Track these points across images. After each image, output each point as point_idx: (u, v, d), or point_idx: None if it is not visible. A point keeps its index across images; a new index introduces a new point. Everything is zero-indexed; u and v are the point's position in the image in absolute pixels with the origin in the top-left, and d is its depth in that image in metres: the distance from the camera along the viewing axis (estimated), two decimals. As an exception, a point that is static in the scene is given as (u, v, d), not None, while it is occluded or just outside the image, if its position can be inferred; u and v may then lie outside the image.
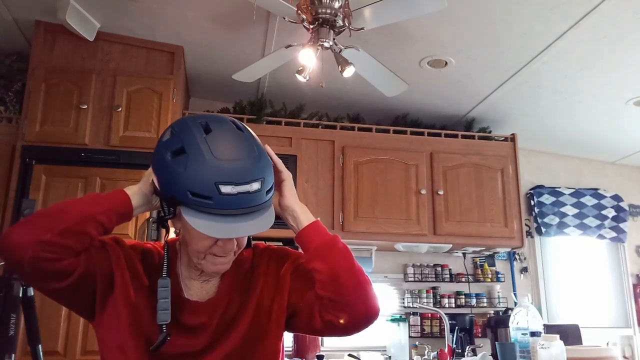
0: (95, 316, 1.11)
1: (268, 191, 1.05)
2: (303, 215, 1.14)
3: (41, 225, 0.99)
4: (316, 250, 1.10)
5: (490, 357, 2.64)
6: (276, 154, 1.15)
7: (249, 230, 1.03)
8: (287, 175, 1.16)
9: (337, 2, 2.38)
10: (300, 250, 1.18)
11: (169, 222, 1.09)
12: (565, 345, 1.77)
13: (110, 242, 1.13)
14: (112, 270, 1.09)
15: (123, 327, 1.08)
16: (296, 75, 2.54)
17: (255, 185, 1.01)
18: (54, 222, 0.99)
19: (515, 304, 2.50)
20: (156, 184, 1.06)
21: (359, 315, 1.09)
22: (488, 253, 4.13)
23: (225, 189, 0.98)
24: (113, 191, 1.08)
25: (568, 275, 4.38)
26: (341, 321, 1.09)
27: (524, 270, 4.26)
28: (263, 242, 1.31)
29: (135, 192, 1.09)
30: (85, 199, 1.06)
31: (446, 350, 3.11)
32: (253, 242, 1.26)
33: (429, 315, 3.91)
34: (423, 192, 3.68)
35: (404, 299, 3.98)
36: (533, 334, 1.95)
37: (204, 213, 1.00)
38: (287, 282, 1.18)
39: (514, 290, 4.08)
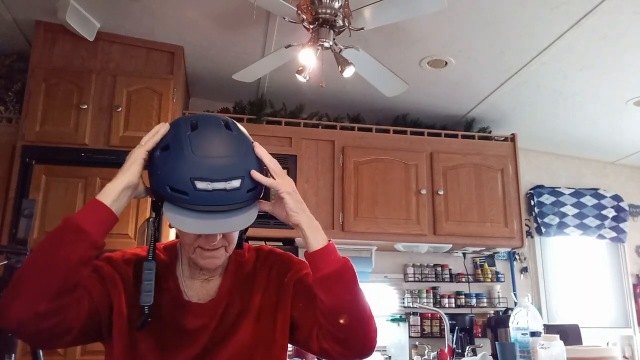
0: (105, 339, 1.11)
1: (250, 190, 1.04)
2: (311, 236, 1.08)
3: (31, 296, 0.93)
4: (322, 279, 1.06)
5: (490, 357, 2.64)
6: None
7: (222, 228, 1.02)
8: (285, 192, 1.07)
9: (337, 2, 2.38)
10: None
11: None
12: (565, 345, 1.76)
13: (105, 267, 1.10)
14: (112, 300, 1.09)
15: (118, 351, 1.08)
16: (296, 75, 2.54)
17: (234, 183, 1.01)
18: (45, 287, 0.93)
19: (515, 304, 2.50)
20: (149, 179, 1.07)
21: (354, 352, 1.08)
22: (488, 253, 4.13)
23: (201, 184, 0.99)
24: (90, 209, 1.00)
25: (568, 275, 4.38)
26: (336, 351, 1.08)
27: (524, 270, 4.26)
28: (264, 244, 1.30)
29: (116, 195, 1.01)
30: (66, 236, 0.96)
31: (446, 350, 3.11)
32: (257, 245, 1.26)
33: (429, 315, 3.91)
34: (423, 192, 3.68)
35: (404, 299, 3.98)
36: (533, 334, 1.95)
37: (182, 208, 1.01)
38: (289, 293, 1.17)
39: (514, 290, 4.08)
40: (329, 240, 1.09)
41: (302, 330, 1.15)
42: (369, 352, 1.09)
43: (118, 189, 1.02)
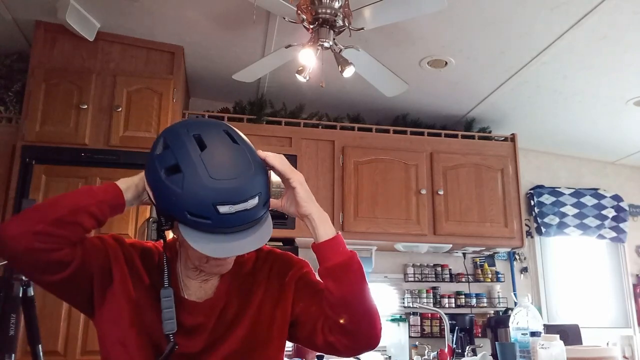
0: (95, 311, 1.11)
1: (265, 204, 1.04)
2: (321, 227, 1.10)
3: (34, 217, 1.00)
4: (331, 269, 1.07)
5: (490, 357, 2.64)
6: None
7: (248, 247, 1.02)
8: (297, 182, 1.10)
9: (337, 2, 2.38)
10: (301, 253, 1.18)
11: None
12: (565, 345, 1.77)
13: (109, 239, 1.13)
14: (110, 265, 1.10)
15: (124, 321, 1.08)
16: (296, 75, 2.54)
17: (253, 202, 1.00)
18: (46, 213, 1.00)
19: (515, 304, 2.50)
20: (152, 198, 1.05)
21: (361, 343, 1.09)
22: (488, 253, 4.13)
23: (223, 209, 0.98)
24: (105, 184, 1.09)
25: (568, 275, 4.37)
26: (343, 331, 1.08)
27: (524, 270, 4.26)
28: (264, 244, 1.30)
29: (128, 186, 1.09)
30: (78, 192, 1.06)
31: (446, 350, 3.11)
32: None
33: (429, 315, 3.91)
34: (423, 192, 3.68)
35: (404, 299, 3.98)
36: (533, 334, 1.95)
37: (203, 232, 1.00)
38: (290, 291, 1.17)
39: (514, 290, 4.08)
40: (337, 232, 1.11)
41: (304, 327, 1.15)
42: (375, 343, 1.10)
43: (130, 183, 1.10)
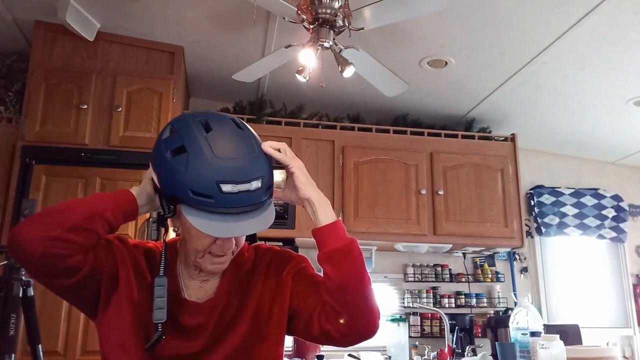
0: (98, 314, 1.11)
1: (268, 189, 1.06)
2: (321, 212, 1.11)
3: (50, 222, 0.99)
4: (330, 254, 1.08)
5: (490, 357, 2.64)
6: None
7: (250, 229, 1.03)
8: (296, 167, 1.12)
9: (337, 2, 2.38)
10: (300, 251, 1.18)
11: (168, 220, 1.09)
12: (565, 345, 1.77)
13: (115, 241, 1.13)
14: (117, 268, 1.10)
15: (125, 325, 1.08)
16: (296, 75, 2.54)
17: (256, 184, 1.02)
18: (63, 219, 1.00)
19: (515, 304, 2.50)
20: (156, 181, 1.06)
21: (359, 331, 1.08)
22: (488, 253, 4.13)
23: (226, 187, 0.99)
24: (118, 190, 1.09)
25: (568, 275, 4.38)
26: (340, 324, 1.08)
27: (524, 270, 4.26)
28: (264, 243, 1.30)
29: (139, 192, 1.10)
30: (92, 198, 1.07)
31: (446, 350, 3.11)
32: (255, 243, 1.26)
33: (429, 315, 3.91)
34: (423, 192, 3.68)
35: (404, 299, 3.98)
36: (533, 334, 1.95)
37: (205, 212, 1.00)
38: (288, 285, 1.17)
39: (514, 290, 4.08)
40: (338, 218, 1.11)
41: (301, 318, 1.15)
42: (373, 332, 1.09)
43: (139, 190, 1.10)
